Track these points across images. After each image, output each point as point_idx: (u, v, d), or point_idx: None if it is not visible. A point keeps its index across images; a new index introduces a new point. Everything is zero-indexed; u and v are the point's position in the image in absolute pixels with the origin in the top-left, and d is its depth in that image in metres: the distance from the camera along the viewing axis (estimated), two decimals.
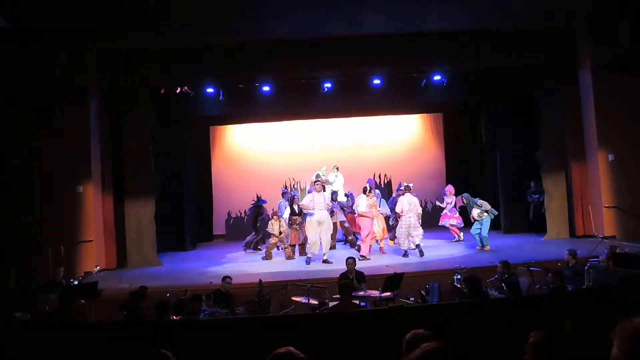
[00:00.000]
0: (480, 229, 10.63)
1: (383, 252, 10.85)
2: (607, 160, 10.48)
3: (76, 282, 8.32)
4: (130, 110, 11.22)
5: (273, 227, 11.13)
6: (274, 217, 11.25)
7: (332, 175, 12.87)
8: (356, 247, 10.98)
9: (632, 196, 10.12)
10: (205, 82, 11.83)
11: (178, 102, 12.64)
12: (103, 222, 10.65)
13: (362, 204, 10.53)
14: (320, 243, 10.06)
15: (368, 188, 10.71)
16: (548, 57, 11.04)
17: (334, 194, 11.58)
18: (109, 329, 4.86)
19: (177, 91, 12.18)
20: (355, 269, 7.45)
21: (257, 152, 15.20)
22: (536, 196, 12.24)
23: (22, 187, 9.52)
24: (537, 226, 12.14)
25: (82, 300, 6.69)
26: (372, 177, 12.59)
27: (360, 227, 10.67)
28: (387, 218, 11.43)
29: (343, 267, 7.88)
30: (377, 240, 10.95)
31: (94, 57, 10.39)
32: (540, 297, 5.89)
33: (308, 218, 10.19)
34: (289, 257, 10.78)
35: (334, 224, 11.28)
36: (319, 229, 10.02)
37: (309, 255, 10.20)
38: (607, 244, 7.91)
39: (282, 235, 11.06)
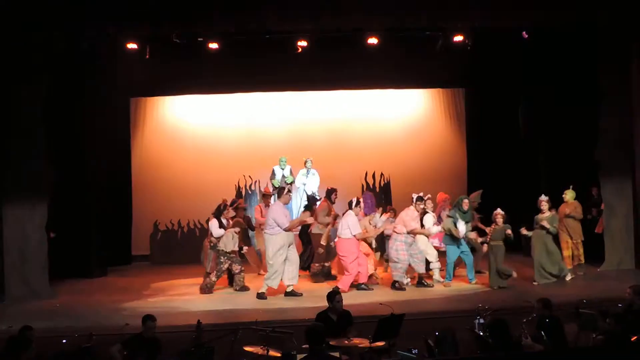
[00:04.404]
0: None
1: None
2: None
3: None
4: (15, 78, 11.01)
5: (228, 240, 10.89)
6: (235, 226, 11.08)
7: (302, 174, 12.90)
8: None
9: None
10: (123, 33, 11.73)
11: (84, 65, 12.51)
12: None
13: (356, 222, 10.53)
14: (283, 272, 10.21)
15: (355, 201, 10.73)
16: (614, 17, 11.21)
17: (312, 199, 11.68)
18: None
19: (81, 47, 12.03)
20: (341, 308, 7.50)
21: (198, 138, 15.21)
22: None
23: None
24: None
25: None
26: (370, 193, 12.60)
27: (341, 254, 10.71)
28: None
29: (315, 302, 7.92)
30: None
31: None
32: (595, 349, 6.03)
33: (271, 239, 10.21)
34: (241, 288, 10.82)
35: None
36: (285, 254, 10.16)
37: (264, 290, 10.24)
38: None
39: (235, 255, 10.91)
